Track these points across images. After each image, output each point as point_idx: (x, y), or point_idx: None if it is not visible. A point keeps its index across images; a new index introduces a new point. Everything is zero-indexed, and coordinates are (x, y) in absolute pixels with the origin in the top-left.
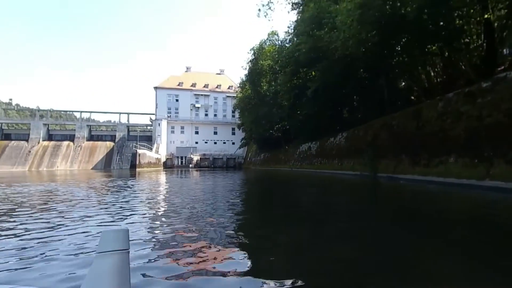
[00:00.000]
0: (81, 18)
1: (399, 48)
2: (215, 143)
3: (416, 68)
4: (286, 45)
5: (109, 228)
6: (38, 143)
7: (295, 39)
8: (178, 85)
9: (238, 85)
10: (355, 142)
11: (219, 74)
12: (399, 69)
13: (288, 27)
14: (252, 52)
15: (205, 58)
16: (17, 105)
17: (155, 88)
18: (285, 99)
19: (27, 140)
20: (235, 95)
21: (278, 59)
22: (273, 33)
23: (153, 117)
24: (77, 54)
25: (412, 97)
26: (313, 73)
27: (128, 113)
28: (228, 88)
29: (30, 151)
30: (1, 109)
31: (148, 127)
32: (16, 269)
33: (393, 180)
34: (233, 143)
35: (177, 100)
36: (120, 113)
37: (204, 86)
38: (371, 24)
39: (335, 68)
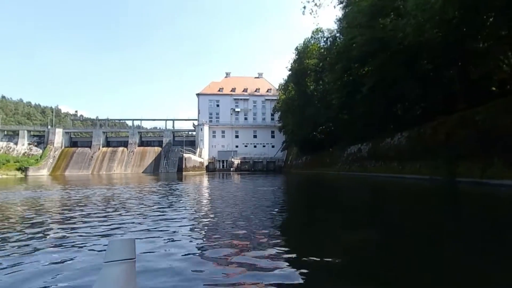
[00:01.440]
0: (129, 34)
1: (483, 29)
2: (255, 146)
3: (502, 54)
4: (337, 40)
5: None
6: (99, 149)
7: (339, 35)
8: (219, 90)
9: (278, 88)
10: (420, 142)
11: (257, 77)
12: (478, 56)
13: (335, 22)
14: (296, 51)
15: (243, 63)
16: (81, 116)
17: (197, 94)
18: (335, 98)
19: (90, 147)
20: (275, 97)
21: (326, 56)
22: (318, 31)
23: (196, 123)
24: (126, 65)
25: (494, 88)
26: (366, 68)
27: (173, 120)
28: (267, 91)
29: (92, 157)
30: (70, 120)
31: (191, 132)
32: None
33: (480, 186)
34: (273, 146)
35: (217, 105)
36: (166, 119)
37: (243, 90)
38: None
39: (396, 61)
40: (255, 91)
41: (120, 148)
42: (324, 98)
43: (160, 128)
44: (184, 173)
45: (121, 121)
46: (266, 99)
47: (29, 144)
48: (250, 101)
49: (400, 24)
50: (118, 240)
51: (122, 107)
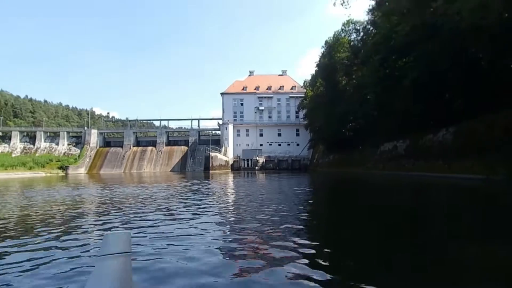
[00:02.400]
0: (154, 37)
1: None
2: (279, 144)
3: None
4: (369, 32)
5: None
6: (130, 148)
7: (371, 27)
8: (242, 89)
9: (303, 84)
10: (472, 137)
11: (281, 75)
12: None
13: (367, 12)
14: (326, 45)
15: (267, 61)
16: (113, 117)
17: (222, 94)
18: (370, 93)
19: (121, 147)
20: (299, 95)
21: (360, 48)
22: (349, 23)
23: (220, 122)
24: (152, 67)
25: None
26: (405, 60)
27: (198, 119)
28: (291, 88)
29: (124, 156)
30: (104, 121)
31: (216, 132)
32: None
33: None
34: (298, 145)
35: (241, 104)
36: (191, 119)
37: (267, 88)
38: None
39: (448, 49)
40: (279, 88)
41: (149, 148)
42: (357, 93)
43: (185, 127)
44: (211, 171)
45: (149, 121)
46: (291, 97)
47: (68, 144)
48: (274, 99)
49: (456, 6)
50: (113, 233)
51: (149, 107)
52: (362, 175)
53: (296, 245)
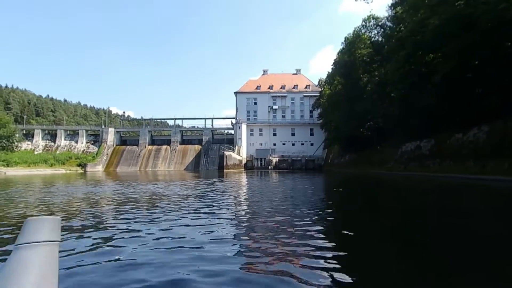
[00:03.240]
0: (168, 37)
1: None
2: (293, 144)
3: None
4: (387, 29)
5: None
6: (145, 147)
7: (390, 23)
8: (256, 88)
9: (318, 83)
10: (510, 137)
11: (295, 74)
12: None
13: (387, 9)
14: (346, 42)
15: (281, 60)
16: (128, 116)
17: (235, 93)
18: (395, 90)
19: (137, 145)
20: (314, 93)
21: (384, 44)
22: (371, 18)
23: (234, 121)
24: (166, 67)
25: None
26: (432, 55)
27: (212, 118)
28: (305, 87)
29: (139, 154)
30: (120, 120)
31: (229, 131)
32: None
33: None
34: (312, 144)
35: (255, 103)
36: (205, 118)
37: (281, 88)
38: None
39: (486, 41)
40: (293, 87)
41: (164, 146)
42: (379, 90)
43: (197, 126)
44: (225, 170)
45: (163, 120)
46: (305, 96)
47: (87, 142)
48: (288, 98)
49: None
50: (38, 218)
51: (163, 107)
52: (383, 176)
53: (315, 251)
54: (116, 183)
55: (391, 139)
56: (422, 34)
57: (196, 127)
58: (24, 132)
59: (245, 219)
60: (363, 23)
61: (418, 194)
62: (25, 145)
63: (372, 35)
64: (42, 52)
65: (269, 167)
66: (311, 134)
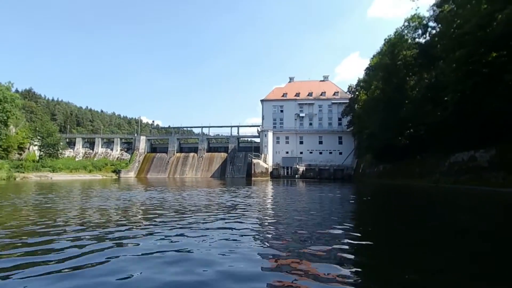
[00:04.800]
0: (195, 48)
1: None
2: (321, 153)
3: None
4: (428, 28)
5: None
6: (174, 154)
7: (435, 24)
8: (282, 96)
9: (348, 89)
10: None
11: (322, 81)
12: None
13: (429, 9)
14: (388, 43)
15: (308, 67)
16: (157, 125)
17: (262, 101)
18: (451, 92)
19: (166, 152)
20: (343, 100)
21: (434, 43)
22: (415, 18)
23: (260, 129)
24: (193, 77)
25: None
26: (494, 54)
27: (238, 126)
28: (334, 94)
29: (168, 161)
30: (150, 129)
31: (255, 139)
32: None
33: None
34: (340, 153)
35: (281, 111)
36: (231, 126)
37: (308, 95)
38: None
39: None
40: (321, 95)
41: (191, 154)
42: (429, 94)
43: (221, 134)
44: (253, 178)
45: (190, 128)
46: (333, 103)
47: (121, 150)
48: (315, 105)
49: None
50: None
51: (188, 115)
52: (429, 189)
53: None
54: (163, 189)
55: (434, 149)
56: (484, 30)
57: (220, 135)
58: (67, 140)
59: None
60: (406, 24)
61: (493, 212)
62: (68, 152)
63: (416, 36)
64: (82, 67)
65: (296, 175)
66: (340, 143)
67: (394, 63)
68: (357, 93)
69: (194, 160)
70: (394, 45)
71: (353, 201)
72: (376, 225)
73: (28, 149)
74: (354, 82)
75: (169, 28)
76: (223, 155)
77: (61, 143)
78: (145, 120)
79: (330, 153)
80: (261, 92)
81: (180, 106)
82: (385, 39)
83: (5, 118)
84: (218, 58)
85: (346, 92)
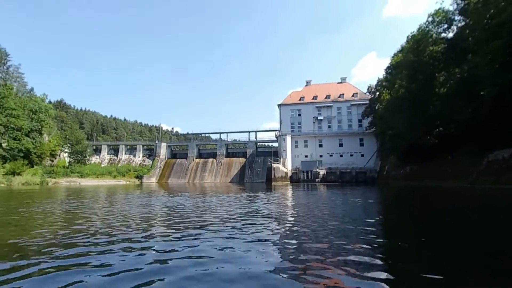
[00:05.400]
0: (210, 56)
1: None
2: (341, 156)
3: None
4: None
5: None
6: (193, 160)
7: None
8: (300, 99)
9: (368, 90)
10: None
11: (340, 83)
12: None
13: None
14: (412, 40)
15: (324, 70)
16: (176, 131)
17: (279, 105)
18: (488, 87)
19: (186, 158)
20: (362, 102)
21: (467, 36)
22: (440, 13)
23: (277, 133)
24: (210, 84)
25: None
26: None
27: (255, 131)
28: (352, 96)
29: (188, 167)
30: (170, 135)
31: (273, 143)
32: None
33: None
34: (362, 155)
35: (299, 115)
36: (249, 131)
37: (326, 97)
38: None
39: None
40: (339, 97)
41: (210, 159)
42: (462, 89)
43: (238, 140)
44: (273, 183)
45: (208, 134)
46: (352, 105)
47: (143, 156)
48: (334, 108)
49: None
50: None
51: (207, 122)
52: (464, 192)
53: None
54: (191, 196)
55: (467, 147)
56: None
57: (237, 140)
58: (94, 147)
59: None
60: (430, 19)
61: None
62: (94, 159)
63: (441, 31)
64: (107, 78)
65: (316, 179)
66: (361, 145)
67: (419, 60)
68: (377, 93)
69: (213, 166)
70: (419, 41)
71: (381, 205)
72: (409, 232)
73: (59, 155)
74: (372, 83)
75: (186, 38)
76: (242, 160)
77: (89, 150)
78: (165, 127)
79: (351, 155)
80: (277, 96)
81: (198, 113)
82: (407, 36)
83: (40, 127)
84: (233, 65)
85: (365, 93)
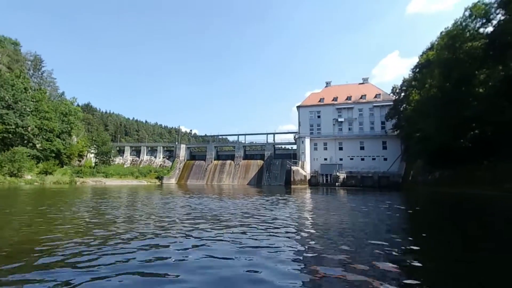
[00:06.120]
0: (229, 58)
1: None
2: (362, 159)
3: None
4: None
5: None
6: (211, 162)
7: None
8: (319, 101)
9: (392, 91)
10: None
11: (362, 84)
12: None
13: None
14: (447, 36)
15: (345, 70)
16: (195, 133)
17: (298, 107)
18: None
19: (204, 160)
20: (386, 103)
21: (510, 29)
22: (478, 6)
23: (296, 135)
24: (228, 86)
25: None
26: None
27: (273, 133)
28: (375, 97)
29: (206, 169)
30: (189, 137)
31: (291, 146)
32: None
33: None
34: (385, 159)
35: (318, 117)
36: (267, 133)
37: (347, 99)
38: None
39: None
40: (360, 98)
41: (228, 161)
42: (507, 88)
43: (255, 142)
44: (292, 186)
45: (225, 136)
46: (375, 106)
47: (163, 157)
48: (355, 109)
49: None
50: None
51: (224, 123)
52: (507, 200)
53: None
54: (216, 197)
55: (508, 152)
56: None
57: (253, 142)
58: (117, 148)
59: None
60: (467, 13)
61: None
62: (118, 160)
63: (479, 25)
64: (130, 82)
65: (336, 183)
66: (384, 148)
67: (455, 57)
68: (403, 93)
69: (231, 168)
70: (454, 37)
71: (415, 215)
72: (457, 250)
73: (86, 156)
74: (395, 83)
75: (204, 40)
76: (259, 162)
77: (113, 151)
78: (183, 129)
79: (373, 159)
80: (294, 99)
81: (215, 115)
82: (441, 32)
83: (69, 129)
84: (249, 66)
85: (389, 94)
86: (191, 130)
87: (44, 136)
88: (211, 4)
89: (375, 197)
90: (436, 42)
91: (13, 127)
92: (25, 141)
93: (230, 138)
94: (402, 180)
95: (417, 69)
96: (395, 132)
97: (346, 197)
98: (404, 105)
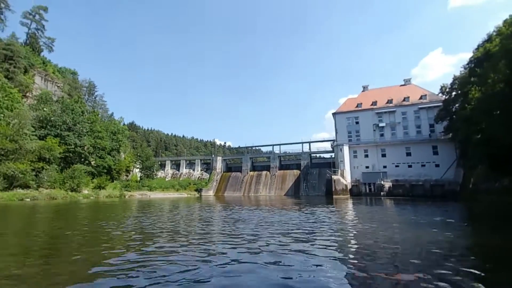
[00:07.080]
0: (261, 69)
1: None
2: (410, 166)
3: None
4: None
5: None
6: (247, 173)
7: None
8: (357, 106)
9: (440, 90)
10: None
11: (403, 85)
12: None
13: None
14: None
15: (378, 74)
16: (229, 146)
17: (334, 114)
18: None
19: (240, 171)
20: (433, 104)
21: None
22: None
23: (333, 143)
24: (260, 97)
25: None
26: None
27: (309, 142)
28: (420, 98)
29: (242, 180)
30: (224, 149)
31: (328, 154)
32: None
33: None
34: (437, 166)
35: (357, 123)
36: (302, 142)
37: (387, 102)
38: None
39: None
40: (403, 100)
41: (264, 172)
42: None
43: (289, 152)
44: (334, 196)
45: (259, 147)
46: (420, 108)
47: (201, 170)
48: (398, 113)
49: None
50: None
51: (256, 135)
52: None
53: None
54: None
55: None
56: None
57: (287, 152)
58: (159, 163)
59: None
60: None
61: None
62: (160, 173)
63: None
64: (166, 100)
65: (381, 193)
66: (435, 153)
67: None
68: (454, 92)
69: (267, 178)
70: None
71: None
72: None
73: (132, 171)
74: (443, 82)
75: (231, 52)
76: (296, 172)
77: (155, 166)
78: (217, 141)
79: (423, 165)
80: (326, 106)
81: (247, 126)
82: (505, 20)
83: (118, 146)
84: (280, 76)
85: (437, 94)
86: (225, 143)
87: (98, 154)
88: (241, 18)
89: (436, 208)
90: (494, 33)
91: (73, 146)
92: (82, 159)
93: (264, 149)
94: (459, 188)
95: (473, 64)
96: (448, 135)
97: (399, 208)
98: (458, 104)
